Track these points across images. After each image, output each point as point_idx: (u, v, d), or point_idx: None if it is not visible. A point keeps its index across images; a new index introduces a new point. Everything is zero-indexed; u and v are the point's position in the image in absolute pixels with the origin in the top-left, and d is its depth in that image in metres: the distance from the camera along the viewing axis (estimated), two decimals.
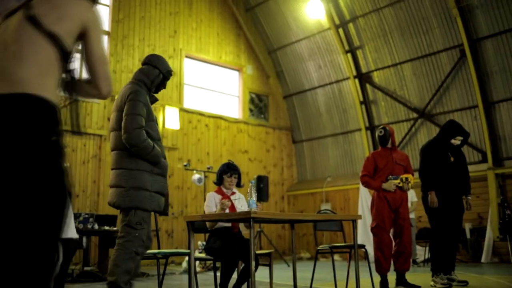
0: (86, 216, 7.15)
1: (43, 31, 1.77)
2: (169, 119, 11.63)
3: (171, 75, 3.89)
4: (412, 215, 9.36)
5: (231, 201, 4.65)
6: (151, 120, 3.66)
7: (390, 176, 5.50)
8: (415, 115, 11.90)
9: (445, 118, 11.16)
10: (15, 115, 1.65)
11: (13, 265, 1.59)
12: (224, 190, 4.82)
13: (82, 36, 1.89)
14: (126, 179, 3.51)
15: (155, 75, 3.77)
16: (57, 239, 1.71)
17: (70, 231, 2.69)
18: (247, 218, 3.67)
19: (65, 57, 1.83)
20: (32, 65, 1.74)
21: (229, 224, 4.61)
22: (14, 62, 1.74)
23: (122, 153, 3.61)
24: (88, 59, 1.91)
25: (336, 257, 12.12)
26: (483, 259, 9.80)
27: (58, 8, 1.84)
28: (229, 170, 4.82)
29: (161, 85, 3.85)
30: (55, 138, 1.72)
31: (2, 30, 1.85)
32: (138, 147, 3.50)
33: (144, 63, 3.85)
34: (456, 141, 5.80)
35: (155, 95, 3.89)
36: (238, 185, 4.90)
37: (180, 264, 9.77)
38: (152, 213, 3.80)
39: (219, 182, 4.86)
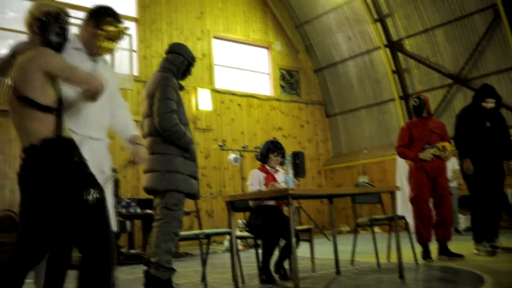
0: (128, 200, 7.36)
1: (19, 98, 2.40)
2: (201, 100, 11.74)
3: (195, 61, 3.97)
4: (454, 183, 9.21)
5: (276, 181, 4.68)
6: (180, 105, 3.74)
7: (427, 145, 5.42)
8: (450, 81, 11.63)
9: (481, 82, 10.82)
10: (45, 155, 2.39)
11: (85, 238, 2.40)
12: (268, 168, 4.84)
13: (50, 74, 2.44)
14: (161, 164, 3.61)
15: (180, 62, 3.86)
16: (100, 218, 2.41)
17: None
18: (285, 196, 3.71)
19: (46, 109, 2.41)
20: (34, 121, 2.41)
21: (273, 203, 4.66)
22: (28, 123, 2.42)
23: (155, 139, 3.71)
24: (64, 81, 2.52)
25: (376, 229, 12.06)
26: None
27: (23, 72, 2.41)
28: (276, 149, 4.83)
29: (187, 71, 3.92)
30: (77, 158, 2.44)
31: (9, 100, 2.49)
32: (170, 131, 3.58)
33: (168, 52, 3.93)
34: (488, 104, 5.64)
35: (181, 82, 3.96)
36: (281, 163, 4.91)
37: (221, 243, 9.96)
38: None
39: (264, 160, 4.87)
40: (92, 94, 2.59)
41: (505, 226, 9.93)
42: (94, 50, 2.84)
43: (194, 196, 3.80)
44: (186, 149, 3.68)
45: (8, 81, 2.47)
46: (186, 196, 3.73)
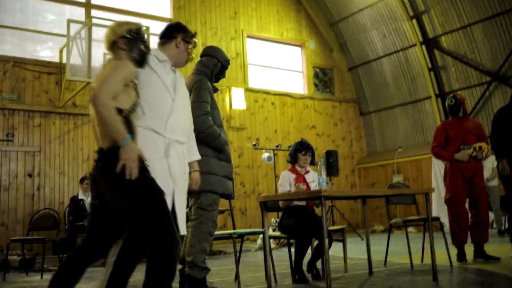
0: None
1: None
2: (235, 99, 11.83)
3: (229, 63, 4.05)
4: (495, 182, 8.95)
5: (306, 183, 4.72)
6: (214, 108, 3.80)
7: (463, 146, 5.35)
8: (488, 78, 11.37)
9: None
10: (110, 159, 2.58)
11: (142, 230, 2.64)
12: (298, 168, 4.88)
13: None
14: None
15: (214, 64, 3.93)
16: (165, 215, 2.59)
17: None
18: (318, 197, 3.73)
19: (118, 111, 2.58)
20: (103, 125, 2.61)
21: (303, 203, 4.69)
22: (100, 127, 2.64)
23: None
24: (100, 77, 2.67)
25: (410, 228, 11.92)
26: None
27: (100, 76, 2.65)
28: (303, 148, 4.87)
29: (220, 73, 3.99)
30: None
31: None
32: (204, 132, 3.65)
33: (202, 55, 4.00)
34: None
35: (216, 84, 4.05)
36: (312, 163, 4.94)
37: (255, 241, 10.04)
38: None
39: (294, 160, 4.91)
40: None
41: None
42: (182, 63, 3.28)
43: (228, 196, 3.87)
44: (220, 150, 3.74)
45: (93, 86, 2.70)
46: (220, 196, 3.80)
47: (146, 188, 2.58)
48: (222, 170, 3.74)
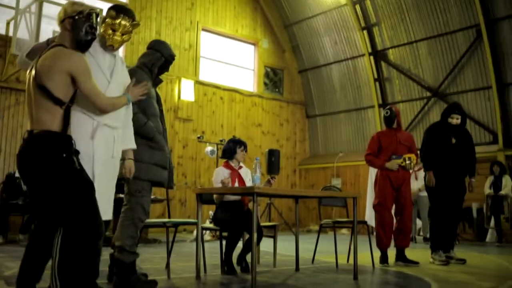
0: None
1: (38, 86, 2.66)
2: (184, 91, 11.85)
3: (173, 59, 4.10)
4: (425, 192, 9.39)
5: (241, 179, 4.87)
6: (149, 97, 3.82)
7: (394, 156, 5.67)
8: (428, 94, 11.94)
9: (458, 98, 11.20)
10: (38, 145, 2.67)
11: (71, 220, 2.70)
12: (233, 164, 5.02)
13: (74, 80, 2.71)
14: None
15: (157, 59, 3.98)
16: (92, 203, 2.72)
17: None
18: (251, 193, 3.88)
19: (57, 101, 2.68)
20: (43, 111, 2.68)
21: (238, 198, 4.83)
22: (36, 110, 2.69)
23: None
24: (81, 91, 2.77)
25: (344, 230, 12.36)
26: (487, 239, 9.97)
27: (48, 67, 2.66)
28: (242, 143, 5.03)
29: (163, 68, 4.05)
30: (66, 154, 2.68)
31: (28, 83, 2.76)
32: None
33: (148, 48, 4.06)
34: (453, 120, 5.88)
35: (166, 73, 4.09)
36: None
37: (191, 232, 10.12)
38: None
39: (231, 156, 5.04)
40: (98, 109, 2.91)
41: (468, 239, 10.29)
42: (107, 43, 3.19)
43: (161, 184, 3.92)
44: (149, 138, 3.79)
45: (33, 68, 2.73)
46: (154, 184, 3.86)
47: (72, 179, 2.67)
48: (152, 157, 3.78)
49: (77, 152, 2.78)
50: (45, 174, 2.65)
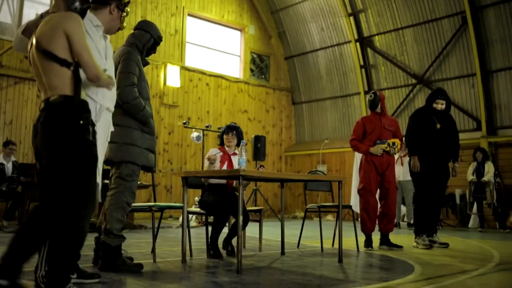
0: None
1: (42, 52, 2.61)
2: (170, 77, 11.77)
3: (161, 40, 4.12)
4: (409, 178, 9.48)
5: (231, 162, 4.90)
6: (142, 80, 3.84)
7: (378, 141, 5.70)
8: (413, 81, 12.01)
9: (443, 85, 11.28)
10: (55, 109, 2.62)
11: (66, 191, 2.56)
12: (227, 149, 5.06)
13: (68, 39, 2.64)
14: (119, 135, 3.71)
15: (147, 39, 3.96)
16: (89, 180, 2.64)
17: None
18: (236, 176, 3.89)
19: (64, 63, 2.61)
20: (52, 75, 2.63)
21: (224, 181, 4.86)
22: (46, 78, 2.64)
23: (116, 111, 3.80)
24: (74, 53, 2.65)
25: (329, 216, 12.48)
26: (470, 225, 10.12)
27: (49, 29, 2.63)
28: (228, 129, 5.07)
29: (152, 49, 4.03)
30: (83, 121, 2.61)
31: (32, 56, 2.71)
32: (129, 103, 3.70)
33: (136, 28, 4.03)
34: (438, 105, 5.93)
35: (150, 57, 4.09)
36: (238, 144, 5.12)
37: (177, 219, 10.13)
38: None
39: (221, 143, 5.12)
40: (94, 82, 2.82)
41: (452, 225, 10.43)
42: (114, 31, 3.31)
43: (149, 169, 3.93)
44: (145, 123, 3.80)
45: (33, 39, 2.69)
46: (141, 168, 3.86)
47: (82, 150, 2.59)
48: (145, 142, 3.81)
49: (93, 124, 2.72)
50: (56, 138, 2.57)
